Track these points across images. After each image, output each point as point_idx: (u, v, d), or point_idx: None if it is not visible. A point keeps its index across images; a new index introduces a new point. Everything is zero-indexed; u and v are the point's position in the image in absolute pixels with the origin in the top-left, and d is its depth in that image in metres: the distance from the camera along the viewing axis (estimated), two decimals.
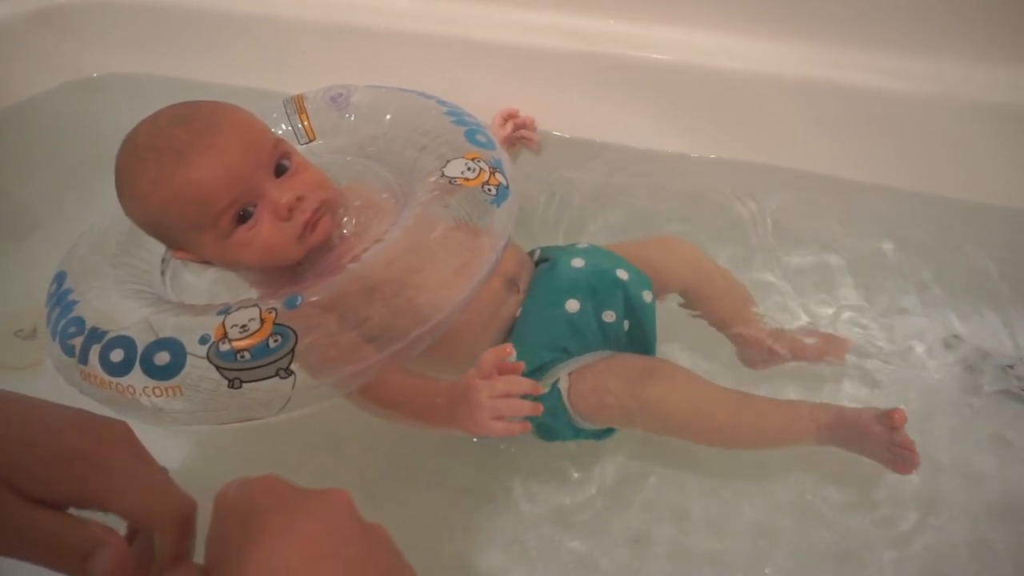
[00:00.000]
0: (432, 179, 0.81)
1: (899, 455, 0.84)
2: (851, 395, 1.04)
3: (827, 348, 1.01)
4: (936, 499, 0.92)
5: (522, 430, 0.74)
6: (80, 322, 0.76)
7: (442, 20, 1.31)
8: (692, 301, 1.05)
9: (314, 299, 0.71)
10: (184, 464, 0.99)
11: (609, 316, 0.90)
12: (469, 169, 0.80)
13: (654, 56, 1.22)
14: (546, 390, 0.87)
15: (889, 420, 0.84)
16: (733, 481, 0.95)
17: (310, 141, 0.96)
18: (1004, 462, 0.97)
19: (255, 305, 0.71)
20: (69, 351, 0.75)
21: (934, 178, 1.17)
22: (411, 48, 1.33)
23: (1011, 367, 1.05)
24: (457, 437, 0.91)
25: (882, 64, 1.15)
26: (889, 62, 1.15)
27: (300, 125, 0.96)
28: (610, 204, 1.29)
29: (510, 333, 0.90)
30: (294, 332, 0.69)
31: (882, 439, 0.84)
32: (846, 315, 1.13)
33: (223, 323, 0.70)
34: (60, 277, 0.83)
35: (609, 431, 0.93)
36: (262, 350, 0.68)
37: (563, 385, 0.88)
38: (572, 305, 0.89)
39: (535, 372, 0.88)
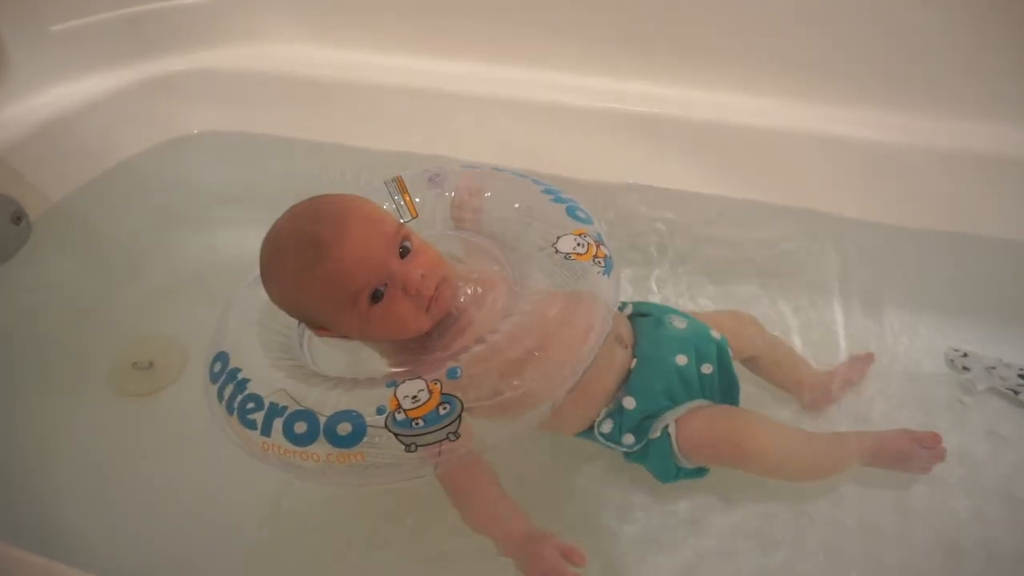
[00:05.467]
0: (547, 254, 0.85)
1: (932, 463, 0.97)
2: (872, 402, 1.12)
3: (859, 367, 1.13)
4: (941, 482, 1.01)
5: None
6: (258, 399, 0.79)
7: (498, 83, 1.37)
8: (756, 367, 1.10)
9: (471, 370, 0.74)
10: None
11: (707, 368, 0.95)
12: (579, 245, 0.84)
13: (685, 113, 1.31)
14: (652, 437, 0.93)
15: (931, 440, 0.97)
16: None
17: (413, 218, 0.98)
18: (996, 450, 1.06)
19: (419, 377, 0.75)
20: (250, 424, 0.78)
21: (920, 213, 1.26)
22: (471, 107, 1.39)
23: (993, 368, 1.12)
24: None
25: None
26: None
27: (403, 203, 0.99)
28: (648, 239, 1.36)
29: (626, 381, 0.94)
30: (459, 400, 0.73)
31: (922, 456, 0.97)
32: (857, 334, 1.20)
33: (395, 395, 0.74)
34: (223, 357, 0.86)
35: (704, 470, 0.97)
36: (434, 417, 0.72)
37: (672, 430, 0.92)
38: (681, 359, 0.94)
39: (650, 417, 0.93)
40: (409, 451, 0.73)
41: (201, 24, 1.48)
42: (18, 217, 1.26)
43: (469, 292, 0.88)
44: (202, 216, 1.47)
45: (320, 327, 0.84)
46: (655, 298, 1.26)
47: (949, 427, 1.07)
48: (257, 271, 0.84)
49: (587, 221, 0.89)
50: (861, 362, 1.13)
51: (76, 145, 1.39)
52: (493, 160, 1.36)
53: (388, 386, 0.75)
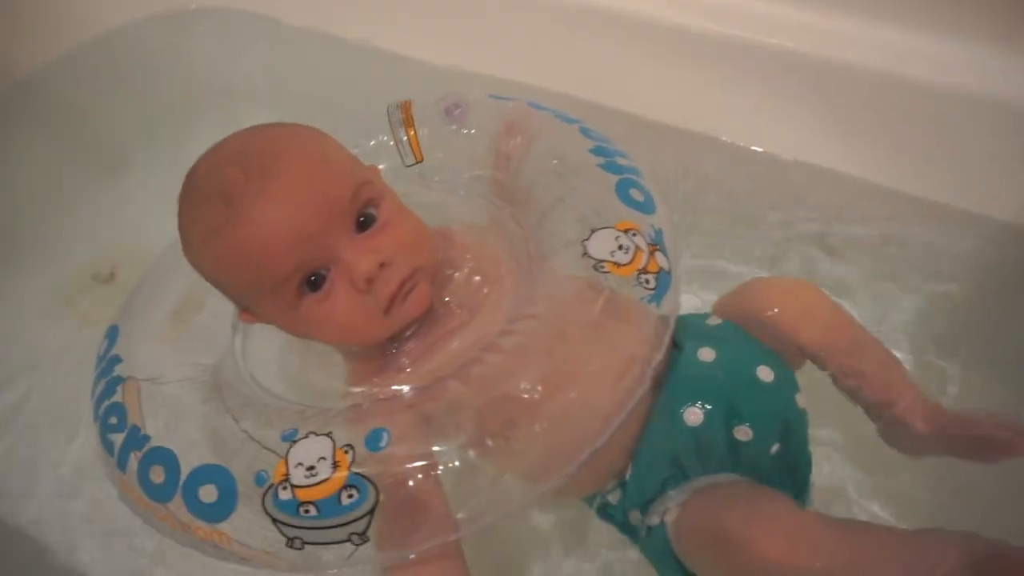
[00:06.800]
0: (571, 256, 0.54)
1: None
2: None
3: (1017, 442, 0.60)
4: None
5: None
6: (121, 411, 0.54)
7: None
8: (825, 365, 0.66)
9: (407, 434, 0.46)
10: None
11: (743, 433, 0.58)
12: (621, 248, 0.53)
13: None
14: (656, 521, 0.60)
15: None
16: None
17: (417, 162, 0.69)
18: None
19: (327, 435, 0.47)
20: (108, 447, 0.54)
21: None
22: (528, 14, 1.06)
23: None
24: None
25: None
26: None
27: (405, 139, 0.69)
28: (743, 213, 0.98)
29: (640, 437, 0.60)
30: (376, 488, 0.44)
31: None
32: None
33: (286, 458, 0.46)
34: (112, 334, 0.61)
35: None
36: (332, 506, 0.45)
37: (670, 518, 0.59)
38: (691, 416, 0.58)
39: (652, 500, 0.60)
40: (293, 547, 0.46)
41: None
42: None
43: (461, 285, 0.60)
44: (197, 109, 1.19)
45: (242, 308, 0.58)
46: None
47: None
48: None
49: (645, 208, 0.57)
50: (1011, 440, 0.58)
51: (46, 10, 1.14)
52: (544, 86, 1.03)
53: (284, 438, 0.48)
